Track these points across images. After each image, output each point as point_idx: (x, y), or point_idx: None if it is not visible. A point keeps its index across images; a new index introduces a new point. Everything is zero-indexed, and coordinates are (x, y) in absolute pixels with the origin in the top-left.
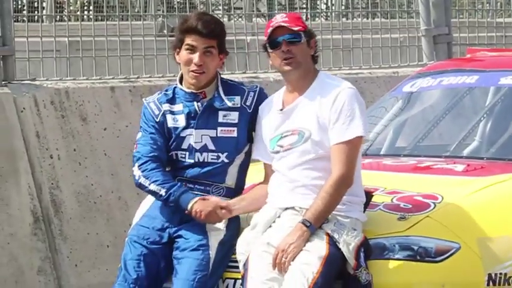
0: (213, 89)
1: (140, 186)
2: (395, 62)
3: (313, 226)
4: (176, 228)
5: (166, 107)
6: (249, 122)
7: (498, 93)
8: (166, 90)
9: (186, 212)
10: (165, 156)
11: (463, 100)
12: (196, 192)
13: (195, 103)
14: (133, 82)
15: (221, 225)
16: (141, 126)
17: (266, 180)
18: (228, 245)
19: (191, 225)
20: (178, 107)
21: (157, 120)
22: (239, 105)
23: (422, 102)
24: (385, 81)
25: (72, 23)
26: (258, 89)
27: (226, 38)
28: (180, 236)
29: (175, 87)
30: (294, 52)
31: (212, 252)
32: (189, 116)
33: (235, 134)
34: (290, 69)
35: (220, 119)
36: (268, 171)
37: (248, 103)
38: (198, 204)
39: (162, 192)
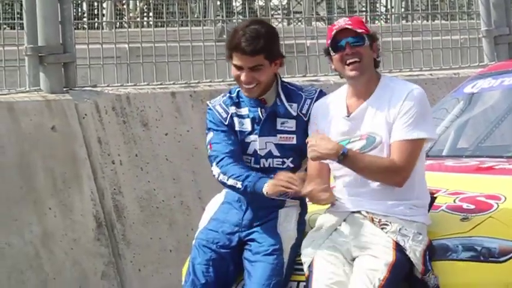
0: (273, 95)
1: (221, 183)
2: (456, 64)
3: (343, 157)
4: (247, 231)
5: (233, 109)
6: (306, 129)
7: None
8: (230, 93)
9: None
10: (240, 151)
11: None
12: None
13: (258, 109)
14: (193, 87)
15: (293, 231)
16: (209, 128)
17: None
18: (297, 249)
19: (263, 229)
20: (244, 110)
21: (226, 123)
22: (295, 114)
23: (484, 103)
24: (446, 83)
25: (132, 30)
26: (316, 95)
27: (286, 42)
28: (252, 240)
29: (238, 90)
30: (361, 54)
31: (285, 257)
32: (254, 122)
33: (294, 141)
34: (356, 75)
35: (278, 126)
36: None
37: (304, 111)
38: (269, 188)
39: (239, 184)
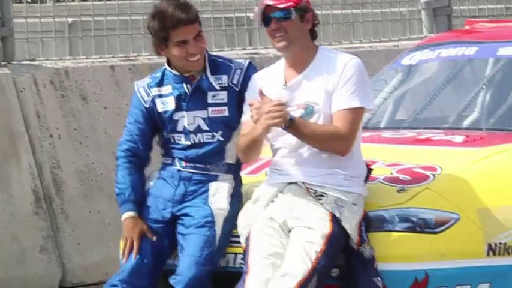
0: (201, 70)
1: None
2: (395, 36)
3: (289, 124)
4: (179, 206)
5: (155, 91)
6: (238, 100)
7: (497, 64)
8: (156, 73)
9: None
10: (142, 151)
11: (462, 72)
12: (196, 172)
13: (184, 85)
14: (133, 60)
15: (225, 204)
16: (128, 117)
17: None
18: (231, 222)
19: (195, 203)
20: (166, 89)
21: (147, 106)
22: (226, 85)
23: (422, 75)
24: (386, 55)
25: (72, 4)
26: (246, 64)
27: (226, 15)
28: (185, 214)
29: (164, 69)
30: (285, 29)
31: (218, 229)
32: (180, 98)
33: (226, 113)
34: (282, 46)
35: (210, 100)
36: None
37: (235, 81)
38: (126, 223)
39: (117, 192)
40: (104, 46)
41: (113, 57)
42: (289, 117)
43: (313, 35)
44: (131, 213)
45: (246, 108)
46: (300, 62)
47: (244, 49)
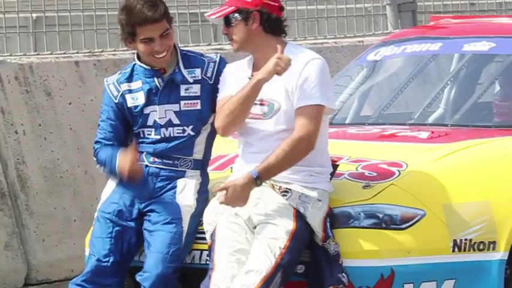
0: (172, 63)
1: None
2: (360, 32)
3: (260, 180)
4: (146, 203)
5: (125, 86)
6: (212, 93)
7: (462, 60)
8: (125, 69)
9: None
10: (118, 145)
11: (427, 67)
12: (164, 167)
13: (155, 79)
14: (97, 56)
15: (192, 200)
16: (100, 115)
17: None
18: (198, 218)
19: (162, 200)
20: (136, 84)
21: (116, 101)
22: (200, 78)
23: (387, 71)
24: (351, 51)
25: None
26: (218, 58)
27: (191, 11)
28: (151, 210)
29: (134, 64)
30: (230, 33)
31: (184, 226)
32: (151, 92)
33: (198, 107)
34: (234, 50)
35: (182, 93)
36: None
37: (209, 74)
38: (119, 164)
39: (103, 163)
40: (69, 42)
41: (77, 52)
42: (254, 176)
43: (271, 31)
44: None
45: (221, 85)
46: (263, 59)
47: (210, 45)
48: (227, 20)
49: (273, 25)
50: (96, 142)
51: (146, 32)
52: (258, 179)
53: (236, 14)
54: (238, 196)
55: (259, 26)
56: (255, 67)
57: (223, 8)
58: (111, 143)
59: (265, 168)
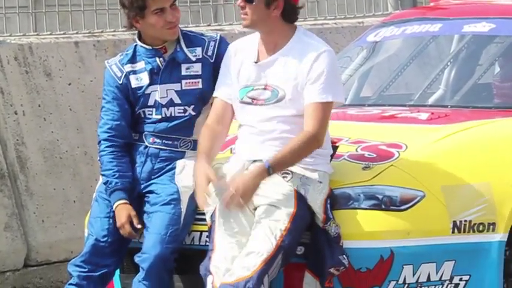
0: (173, 43)
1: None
2: (361, 13)
3: (273, 170)
4: (145, 184)
5: (128, 67)
6: (213, 72)
7: (462, 41)
8: (127, 50)
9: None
10: (124, 128)
11: (427, 49)
12: (164, 148)
13: (157, 59)
14: (97, 36)
15: (191, 181)
16: (103, 97)
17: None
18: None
19: (161, 181)
20: (140, 64)
21: (120, 82)
22: (201, 56)
23: (387, 52)
24: (351, 32)
25: None
26: (218, 37)
27: None
28: (150, 192)
29: (135, 45)
30: (247, 10)
31: (183, 206)
32: (152, 72)
33: (200, 86)
34: (243, 24)
35: (183, 72)
36: (227, 111)
37: (210, 53)
38: (116, 212)
39: (104, 180)
40: (69, 22)
41: (77, 33)
42: (266, 166)
43: (288, 18)
44: (121, 201)
45: (219, 81)
46: (272, 42)
47: (209, 25)
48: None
49: (291, 13)
50: (103, 125)
51: (158, 2)
52: (270, 169)
53: None
54: (249, 188)
55: (279, 14)
56: (262, 48)
57: None
58: (118, 122)
59: (278, 161)
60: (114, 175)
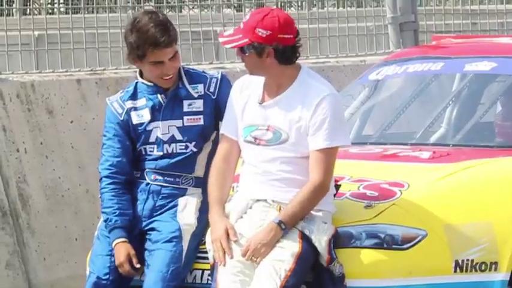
0: (175, 80)
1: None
2: (363, 51)
3: (287, 229)
4: (148, 221)
5: (129, 104)
6: (214, 109)
7: (463, 79)
8: (128, 87)
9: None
10: (125, 164)
11: (429, 87)
12: (165, 185)
13: (158, 95)
14: (99, 74)
15: (193, 219)
16: (104, 134)
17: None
18: (199, 237)
19: (163, 218)
20: (141, 101)
21: (122, 118)
22: (203, 93)
23: (388, 90)
24: (352, 70)
25: (40, 17)
26: (220, 75)
27: (193, 29)
28: (152, 229)
29: (136, 82)
30: (244, 60)
31: (185, 244)
32: (154, 109)
33: (202, 122)
34: (248, 72)
35: (185, 108)
36: (233, 148)
37: (212, 90)
38: (115, 250)
39: (104, 218)
40: (71, 60)
41: (79, 70)
42: (277, 223)
43: (285, 61)
44: (120, 240)
45: (226, 117)
46: (275, 85)
47: (211, 63)
48: (241, 49)
49: (288, 56)
50: (104, 162)
51: (157, 56)
52: (285, 229)
53: (250, 47)
54: (263, 243)
55: (274, 59)
56: (266, 88)
57: (237, 38)
58: (120, 159)
59: (290, 217)
60: (115, 213)
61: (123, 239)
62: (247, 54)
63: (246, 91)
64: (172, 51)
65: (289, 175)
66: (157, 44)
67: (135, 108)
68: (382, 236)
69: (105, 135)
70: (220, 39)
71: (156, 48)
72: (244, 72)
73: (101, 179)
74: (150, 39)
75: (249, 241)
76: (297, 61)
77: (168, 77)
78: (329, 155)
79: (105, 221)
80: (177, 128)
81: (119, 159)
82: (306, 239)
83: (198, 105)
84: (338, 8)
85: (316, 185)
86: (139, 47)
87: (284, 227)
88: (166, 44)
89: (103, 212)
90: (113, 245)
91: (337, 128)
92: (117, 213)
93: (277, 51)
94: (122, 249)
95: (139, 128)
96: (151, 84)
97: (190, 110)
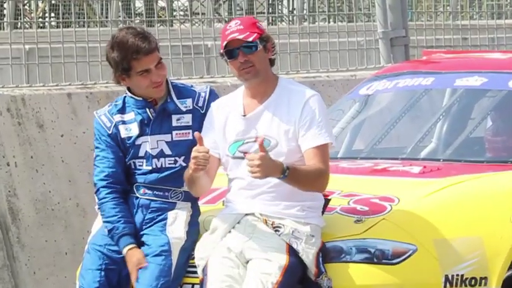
0: (165, 91)
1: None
2: (353, 66)
3: (286, 177)
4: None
5: (117, 117)
6: (202, 124)
7: (454, 94)
8: (116, 101)
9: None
10: (120, 174)
11: (419, 102)
12: (155, 199)
13: (147, 109)
14: (90, 88)
15: (182, 233)
16: (96, 147)
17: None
18: (188, 251)
19: (152, 232)
20: (129, 115)
21: (110, 132)
22: (191, 108)
23: (379, 105)
24: (343, 85)
25: (30, 31)
26: (208, 89)
27: (184, 43)
28: (141, 243)
29: (125, 96)
30: (252, 60)
31: (174, 259)
32: (143, 123)
33: (190, 137)
34: (250, 77)
35: (174, 123)
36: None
37: (200, 104)
38: (127, 256)
39: (108, 227)
40: (61, 73)
41: (70, 84)
42: (285, 166)
43: (271, 62)
44: (130, 246)
45: (206, 125)
46: (261, 92)
47: (202, 77)
48: (247, 47)
49: (274, 53)
50: (99, 173)
51: (143, 64)
52: (286, 170)
53: (259, 41)
54: (265, 164)
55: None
56: (248, 101)
57: (247, 35)
58: (114, 169)
59: (296, 169)
60: (120, 220)
61: (134, 245)
62: (259, 49)
63: (224, 109)
64: (157, 57)
65: (278, 188)
66: (139, 51)
67: (124, 122)
68: (372, 250)
69: (97, 147)
70: (233, 36)
71: (139, 55)
72: (235, 86)
73: (97, 190)
74: (131, 48)
75: (259, 154)
76: (279, 73)
77: (157, 84)
78: (325, 151)
79: (110, 230)
80: (166, 142)
81: (114, 169)
82: (293, 252)
83: (187, 119)
84: (329, 22)
85: (321, 169)
86: (123, 60)
87: (286, 173)
88: (149, 50)
89: (106, 222)
90: (125, 252)
91: (327, 126)
92: (122, 221)
93: (273, 46)
94: (136, 254)
95: (128, 142)
96: (140, 98)
97: (179, 125)
